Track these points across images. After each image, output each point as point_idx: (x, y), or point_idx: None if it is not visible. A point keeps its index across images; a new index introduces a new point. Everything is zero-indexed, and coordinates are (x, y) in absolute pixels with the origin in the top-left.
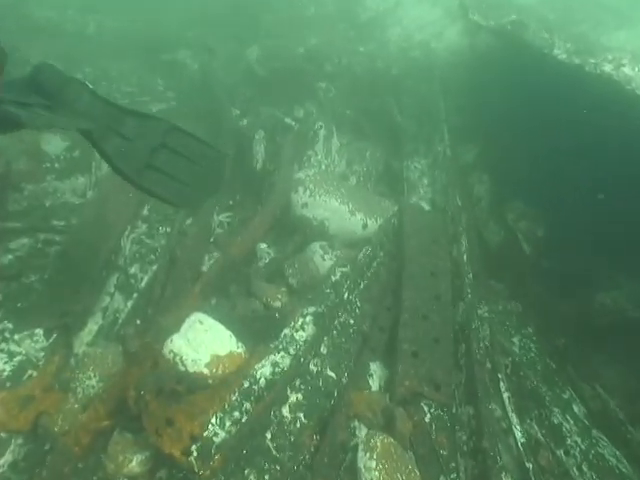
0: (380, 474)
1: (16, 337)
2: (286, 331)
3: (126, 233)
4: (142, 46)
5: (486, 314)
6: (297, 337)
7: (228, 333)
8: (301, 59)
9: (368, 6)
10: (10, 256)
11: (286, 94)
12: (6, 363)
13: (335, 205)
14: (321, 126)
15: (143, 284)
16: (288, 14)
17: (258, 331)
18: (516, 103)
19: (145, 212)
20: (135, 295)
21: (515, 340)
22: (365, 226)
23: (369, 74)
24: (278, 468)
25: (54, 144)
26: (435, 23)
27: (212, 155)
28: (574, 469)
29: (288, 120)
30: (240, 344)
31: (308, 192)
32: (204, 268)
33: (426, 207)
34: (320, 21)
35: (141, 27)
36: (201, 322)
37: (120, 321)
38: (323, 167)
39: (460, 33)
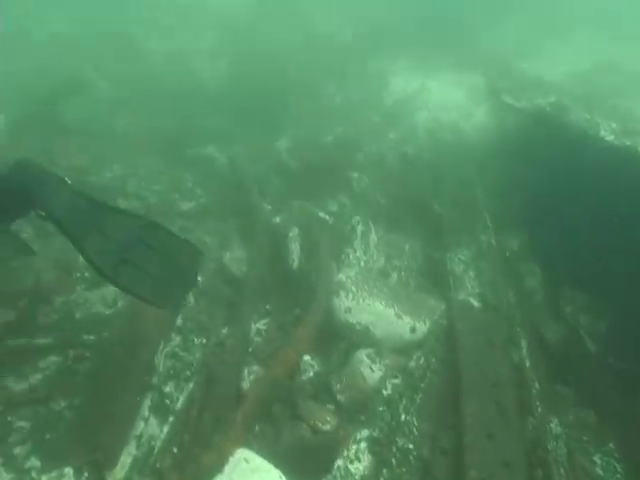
0: None
1: (44, 479)
2: (339, 462)
3: (160, 347)
4: (170, 140)
5: (559, 428)
6: (352, 470)
7: (277, 473)
8: (331, 149)
9: (393, 91)
10: (39, 376)
11: (318, 186)
12: None
13: (380, 308)
14: (358, 221)
15: (179, 405)
16: (315, 104)
17: (308, 464)
18: (562, 187)
19: (179, 322)
20: (171, 418)
21: (596, 459)
22: (413, 330)
23: (401, 160)
24: None
25: None
26: (461, 105)
27: (188, 251)
28: None
29: (322, 214)
30: None
31: (350, 295)
32: (244, 385)
33: (476, 304)
34: (346, 109)
35: (169, 122)
36: (247, 461)
37: (156, 450)
38: (362, 264)
39: (488, 113)
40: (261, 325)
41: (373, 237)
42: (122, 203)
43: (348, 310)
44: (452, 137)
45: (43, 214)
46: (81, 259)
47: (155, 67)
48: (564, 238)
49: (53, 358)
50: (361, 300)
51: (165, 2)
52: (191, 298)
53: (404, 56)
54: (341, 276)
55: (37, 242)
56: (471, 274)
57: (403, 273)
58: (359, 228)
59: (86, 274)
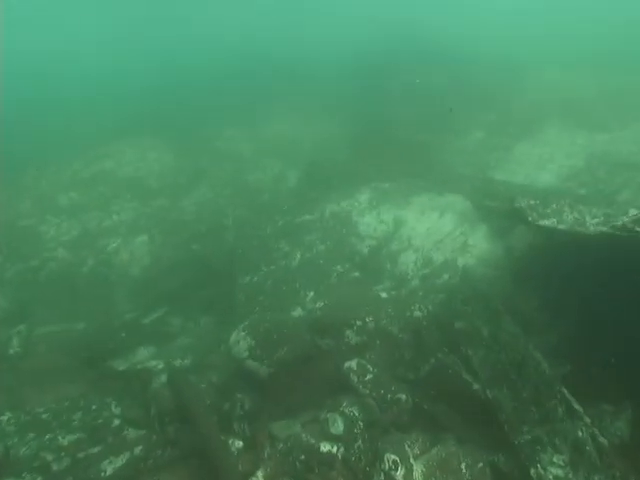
0: None
1: None
2: None
3: None
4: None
5: None
6: None
7: None
8: (309, 333)
9: (364, 233)
10: None
11: (306, 393)
12: None
13: None
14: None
15: None
16: (269, 268)
17: None
18: None
19: None
20: None
21: None
22: None
23: (408, 332)
24: None
25: None
26: (452, 234)
27: None
28: None
29: (324, 446)
30: None
31: None
32: None
33: None
34: (311, 268)
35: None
36: None
37: None
38: None
39: (488, 237)
40: None
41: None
42: None
43: None
44: (454, 279)
45: None
46: None
47: (59, 261)
48: None
49: None
50: None
51: (66, 176)
52: None
53: (365, 188)
54: None
55: None
56: None
57: None
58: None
59: None
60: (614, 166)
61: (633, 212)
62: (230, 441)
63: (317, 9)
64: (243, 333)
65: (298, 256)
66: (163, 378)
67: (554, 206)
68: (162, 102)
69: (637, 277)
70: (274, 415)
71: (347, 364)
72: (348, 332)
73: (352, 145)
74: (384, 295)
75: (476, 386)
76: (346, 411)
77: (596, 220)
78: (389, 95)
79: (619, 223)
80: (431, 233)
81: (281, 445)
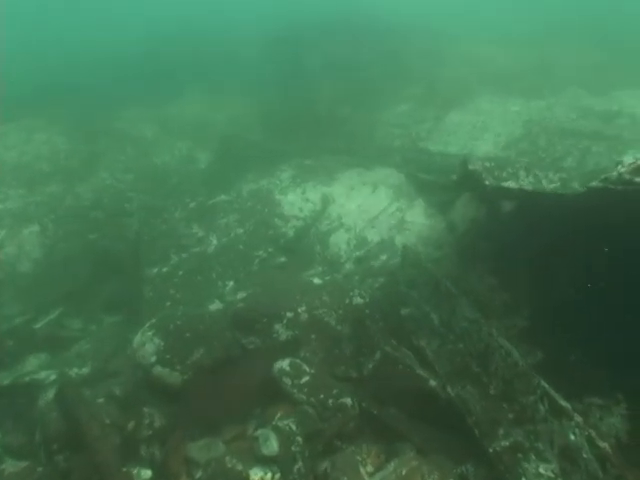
0: None
1: None
2: None
3: None
4: None
5: None
6: None
7: None
8: (230, 329)
9: (288, 214)
10: None
11: (230, 404)
12: None
13: None
14: None
15: None
16: (179, 258)
17: None
18: None
19: None
20: None
21: None
22: None
23: (348, 322)
24: None
25: None
26: (387, 210)
27: None
28: None
29: (255, 473)
30: None
31: None
32: None
33: None
34: (230, 255)
35: None
36: None
37: None
38: None
39: (428, 213)
40: None
41: None
42: None
43: None
44: (392, 260)
45: None
46: None
47: None
48: None
49: None
50: None
51: None
52: None
53: (286, 165)
54: None
55: None
56: None
57: None
58: None
59: None
60: (553, 133)
61: (629, 160)
62: (135, 470)
63: None
64: (149, 333)
65: (214, 241)
66: (52, 393)
67: (509, 170)
68: (55, 84)
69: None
70: (191, 433)
71: (278, 365)
72: (277, 326)
73: (271, 123)
74: (317, 281)
75: (433, 383)
76: (280, 424)
77: (553, 185)
78: (311, 69)
79: (614, 174)
80: (363, 210)
81: (200, 473)
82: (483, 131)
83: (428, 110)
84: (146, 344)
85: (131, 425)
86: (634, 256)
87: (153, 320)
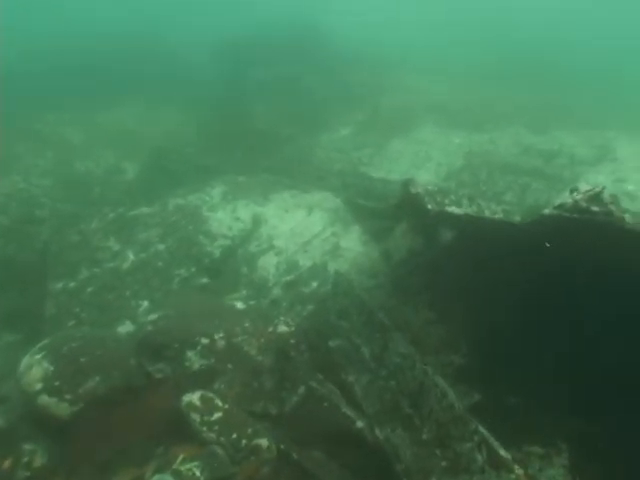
0: None
1: None
2: None
3: None
4: None
5: None
6: None
7: None
8: (136, 355)
9: (215, 232)
10: None
11: (127, 442)
12: None
13: None
14: None
15: None
16: (90, 273)
17: None
18: None
19: None
20: None
21: None
22: None
23: (271, 353)
24: None
25: None
26: (322, 235)
27: None
28: None
29: None
30: None
31: None
32: None
33: None
34: (149, 272)
35: None
36: None
37: None
38: None
39: (364, 240)
40: None
41: None
42: None
43: None
44: (328, 289)
45: None
46: None
47: None
48: None
49: None
50: None
51: None
52: None
53: (218, 181)
54: None
55: None
56: None
57: None
58: None
59: None
60: (495, 167)
61: (584, 187)
62: None
63: None
64: (38, 356)
65: (130, 256)
66: None
67: (452, 197)
68: None
69: (590, 269)
70: (78, 475)
71: (187, 398)
72: (190, 354)
73: (208, 137)
74: (240, 306)
75: (361, 424)
76: (182, 468)
77: (497, 216)
78: (254, 86)
79: (569, 202)
80: (297, 233)
81: None
82: (425, 160)
83: (371, 136)
84: (33, 368)
85: (7, 464)
86: (588, 292)
87: (45, 341)
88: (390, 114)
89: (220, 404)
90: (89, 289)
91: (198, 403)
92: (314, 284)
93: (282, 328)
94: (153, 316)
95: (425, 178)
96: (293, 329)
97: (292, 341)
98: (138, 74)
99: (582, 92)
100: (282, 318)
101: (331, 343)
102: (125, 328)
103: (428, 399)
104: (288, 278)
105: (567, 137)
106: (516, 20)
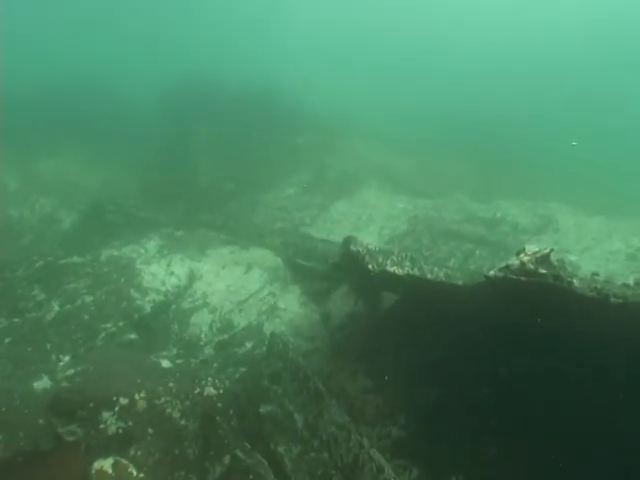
0: None
1: None
2: None
3: None
4: None
5: None
6: None
7: None
8: (46, 414)
9: (147, 286)
10: None
11: None
12: None
13: None
14: None
15: None
16: (9, 323)
17: None
18: None
19: None
20: None
21: None
22: None
23: (196, 417)
24: None
25: None
26: (259, 294)
27: None
28: None
29: None
30: None
31: None
32: None
33: None
34: (73, 325)
35: None
36: None
37: None
38: None
39: (302, 301)
40: None
41: None
42: None
43: None
44: (262, 351)
45: None
46: None
47: None
48: None
49: None
50: None
51: None
52: None
53: (154, 234)
54: None
55: None
56: None
57: None
58: None
59: None
60: (438, 233)
61: (531, 249)
62: None
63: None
64: None
65: (55, 307)
66: None
67: (394, 258)
68: None
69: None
70: None
71: (98, 465)
72: (106, 415)
73: (149, 190)
74: (166, 364)
75: None
76: None
77: (440, 280)
78: (199, 140)
79: (515, 263)
80: (233, 291)
81: None
82: (368, 223)
83: (314, 197)
84: None
85: None
86: (534, 359)
87: None
88: (335, 176)
89: (135, 473)
90: (6, 340)
91: (110, 471)
92: (248, 345)
93: (210, 390)
94: (70, 371)
95: (367, 241)
96: (221, 392)
97: (219, 405)
98: (81, 123)
99: (525, 163)
100: (210, 379)
101: (262, 409)
102: (41, 384)
103: (362, 474)
104: (221, 337)
105: (510, 206)
106: (465, 91)
